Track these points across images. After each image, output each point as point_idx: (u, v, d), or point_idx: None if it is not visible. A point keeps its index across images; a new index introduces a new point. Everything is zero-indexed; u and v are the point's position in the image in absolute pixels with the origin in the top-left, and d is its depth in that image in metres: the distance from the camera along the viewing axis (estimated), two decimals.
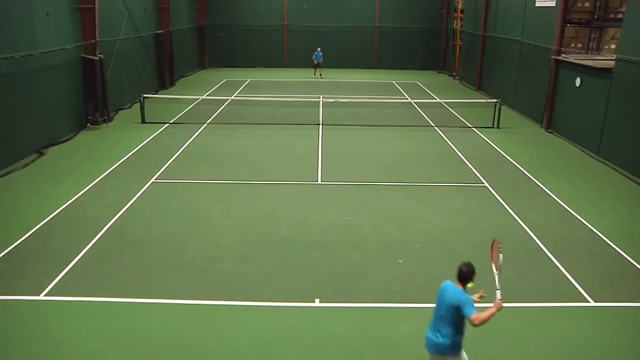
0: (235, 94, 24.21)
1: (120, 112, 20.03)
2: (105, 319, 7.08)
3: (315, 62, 30.23)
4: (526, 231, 10.01)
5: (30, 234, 9.52)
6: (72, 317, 7.11)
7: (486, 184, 12.60)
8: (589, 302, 7.67)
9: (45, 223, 10.00)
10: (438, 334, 5.22)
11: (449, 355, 5.22)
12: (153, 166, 13.53)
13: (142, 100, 18.53)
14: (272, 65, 35.12)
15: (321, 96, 23.35)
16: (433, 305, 7.57)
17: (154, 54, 24.71)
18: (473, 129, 18.35)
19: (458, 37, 31.55)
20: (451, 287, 5.23)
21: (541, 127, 18.72)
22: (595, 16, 18.08)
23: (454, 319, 5.12)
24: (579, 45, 18.63)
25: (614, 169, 14.02)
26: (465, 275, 5.18)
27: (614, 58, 14.98)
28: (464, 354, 5.35)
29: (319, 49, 30.29)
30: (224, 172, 13.30)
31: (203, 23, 34.09)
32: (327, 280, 8.18)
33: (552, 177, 13.19)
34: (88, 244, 9.15)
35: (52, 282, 7.93)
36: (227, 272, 8.37)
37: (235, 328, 6.95)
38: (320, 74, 30.29)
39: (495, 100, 19.65)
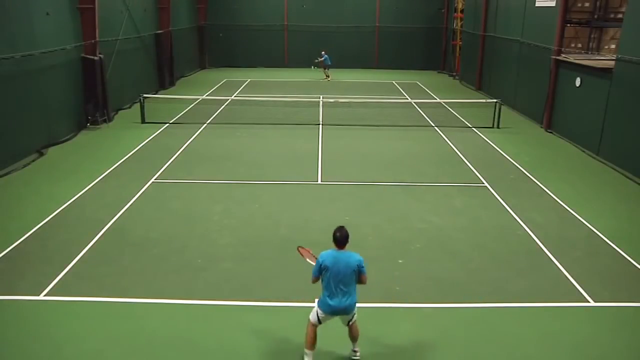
0: (235, 94, 24.21)
1: (120, 112, 20.03)
2: (105, 319, 7.08)
3: (324, 64, 29.53)
4: (526, 231, 10.01)
5: (30, 234, 9.52)
6: (72, 317, 7.11)
7: (486, 184, 12.60)
8: (589, 302, 7.67)
9: (45, 223, 10.00)
10: (348, 297, 5.87)
11: (354, 309, 6.03)
12: (153, 166, 13.53)
13: (142, 100, 18.53)
14: (272, 65, 35.12)
15: (321, 96, 23.36)
16: (433, 305, 7.60)
17: (154, 54, 24.71)
18: (473, 129, 18.35)
19: (458, 37, 31.55)
20: (342, 254, 5.84)
21: (541, 127, 18.72)
22: (595, 16, 18.08)
23: (355, 279, 5.88)
24: (579, 45, 18.63)
25: (614, 169, 14.02)
26: (346, 237, 5.85)
27: (614, 58, 14.98)
28: None
29: (322, 52, 29.64)
30: (224, 172, 13.30)
31: (203, 23, 34.09)
32: None
33: (552, 177, 13.19)
34: (88, 244, 9.15)
35: (52, 282, 7.92)
36: (227, 272, 8.37)
37: (235, 328, 6.95)
38: (328, 76, 29.66)
39: (495, 100, 19.65)
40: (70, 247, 9.03)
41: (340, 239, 5.86)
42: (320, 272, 5.90)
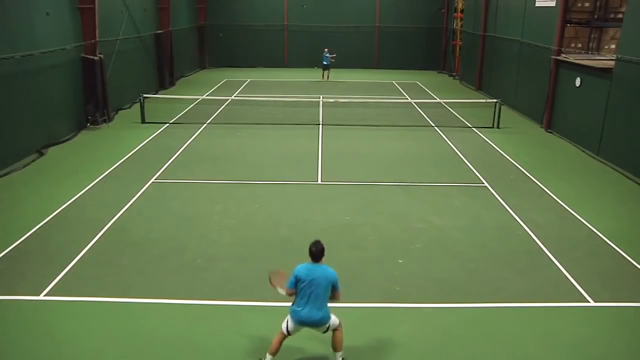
0: (235, 94, 24.21)
1: (120, 112, 20.03)
2: (105, 319, 7.09)
3: (324, 64, 28.80)
4: (526, 231, 10.01)
5: (30, 234, 9.51)
6: (72, 317, 7.11)
7: (486, 184, 12.60)
8: (589, 302, 7.67)
9: (45, 223, 10.00)
10: (319, 310, 5.85)
11: (327, 322, 5.98)
12: (153, 166, 13.53)
13: (142, 100, 18.52)
14: (272, 65, 35.12)
15: (321, 96, 23.36)
16: (433, 305, 7.60)
17: (154, 54, 24.71)
18: (473, 129, 18.35)
19: (458, 37, 31.55)
20: (317, 267, 5.87)
21: (541, 127, 18.72)
22: (595, 16, 18.08)
23: (328, 293, 5.90)
24: (579, 45, 18.63)
25: (614, 169, 14.02)
26: (321, 251, 5.91)
27: (614, 58, 14.98)
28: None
29: (325, 49, 29.09)
30: (224, 172, 13.30)
31: (203, 23, 34.09)
32: None
33: (552, 177, 13.19)
34: (88, 244, 9.15)
35: (52, 282, 7.92)
36: (227, 272, 8.37)
37: (235, 328, 6.95)
38: (327, 77, 29.10)
39: (495, 100, 19.65)
40: (70, 247, 9.03)
41: (316, 253, 5.92)
42: (295, 284, 5.89)
